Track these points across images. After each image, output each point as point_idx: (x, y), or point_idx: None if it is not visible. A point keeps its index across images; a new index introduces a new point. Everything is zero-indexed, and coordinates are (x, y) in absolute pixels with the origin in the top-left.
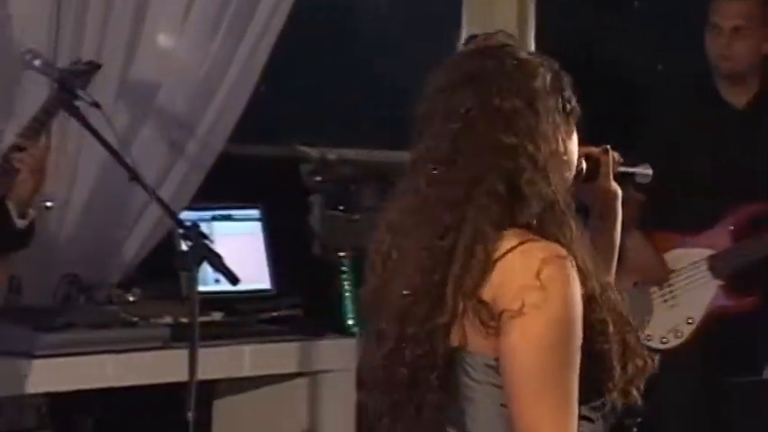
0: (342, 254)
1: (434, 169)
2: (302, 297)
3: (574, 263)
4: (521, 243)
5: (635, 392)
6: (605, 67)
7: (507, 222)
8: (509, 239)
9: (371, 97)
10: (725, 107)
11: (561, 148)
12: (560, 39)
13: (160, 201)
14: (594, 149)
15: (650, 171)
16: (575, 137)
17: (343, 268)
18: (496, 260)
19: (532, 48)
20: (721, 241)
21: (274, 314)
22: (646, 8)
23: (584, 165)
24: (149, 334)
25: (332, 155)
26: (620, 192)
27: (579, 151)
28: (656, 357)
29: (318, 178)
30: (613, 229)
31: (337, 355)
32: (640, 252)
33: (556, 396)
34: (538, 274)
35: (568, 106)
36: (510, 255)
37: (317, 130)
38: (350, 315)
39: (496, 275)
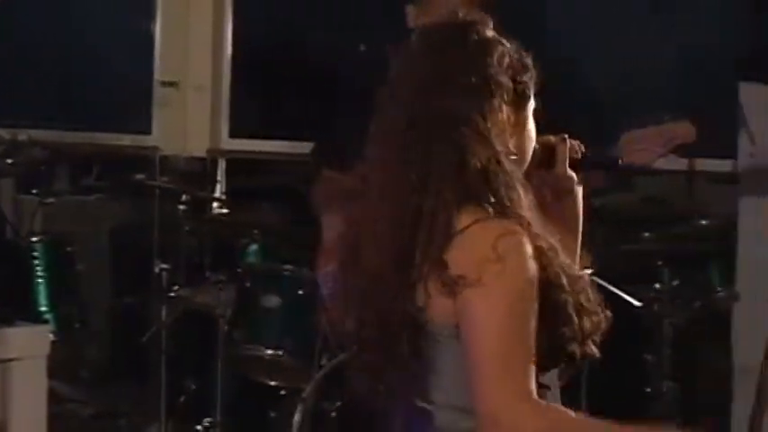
0: (34, 239)
1: (395, 137)
2: None
3: (527, 237)
4: (478, 220)
5: (592, 346)
6: (307, 50)
7: (463, 192)
8: (468, 215)
9: (66, 78)
10: None
11: (509, 127)
12: (258, 22)
13: None
14: (553, 138)
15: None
16: (528, 123)
17: (35, 254)
18: (459, 232)
19: (228, 34)
20: None
21: None
22: None
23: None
24: None
25: (23, 136)
26: (575, 177)
27: (538, 139)
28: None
29: (9, 160)
30: (571, 213)
31: (28, 343)
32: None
33: (516, 357)
34: (495, 248)
35: (520, 88)
36: (469, 229)
37: (6, 111)
38: (42, 302)
39: (457, 247)
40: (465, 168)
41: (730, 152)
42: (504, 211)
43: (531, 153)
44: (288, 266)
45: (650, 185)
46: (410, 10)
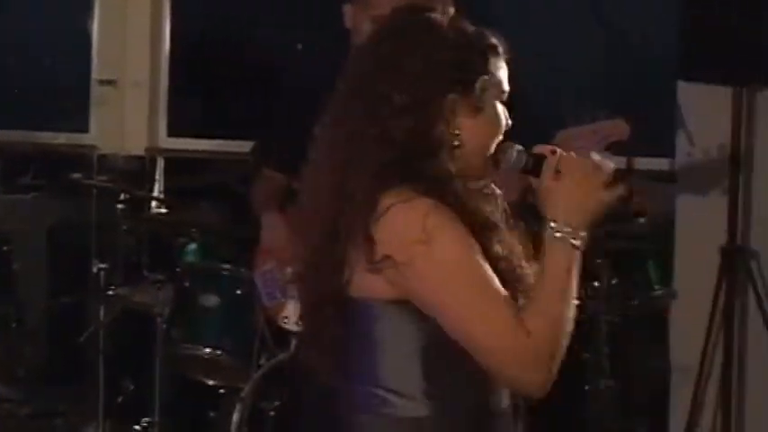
0: None
1: (336, 121)
2: None
3: (450, 211)
4: (404, 200)
5: None
6: (245, 48)
7: (388, 171)
8: (391, 196)
9: (2, 76)
10: None
11: (453, 111)
12: (196, 20)
13: None
14: (546, 148)
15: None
16: (482, 112)
17: None
18: (383, 212)
19: (166, 32)
20: None
21: None
22: None
23: (513, 156)
24: None
25: None
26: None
27: (535, 148)
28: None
29: None
30: None
31: None
32: (276, 234)
33: (491, 315)
34: (424, 227)
35: (465, 76)
36: (393, 209)
37: None
38: None
39: (382, 226)
40: (392, 147)
41: (668, 151)
42: (429, 187)
43: (488, 143)
44: (226, 266)
45: None
46: (347, 9)
